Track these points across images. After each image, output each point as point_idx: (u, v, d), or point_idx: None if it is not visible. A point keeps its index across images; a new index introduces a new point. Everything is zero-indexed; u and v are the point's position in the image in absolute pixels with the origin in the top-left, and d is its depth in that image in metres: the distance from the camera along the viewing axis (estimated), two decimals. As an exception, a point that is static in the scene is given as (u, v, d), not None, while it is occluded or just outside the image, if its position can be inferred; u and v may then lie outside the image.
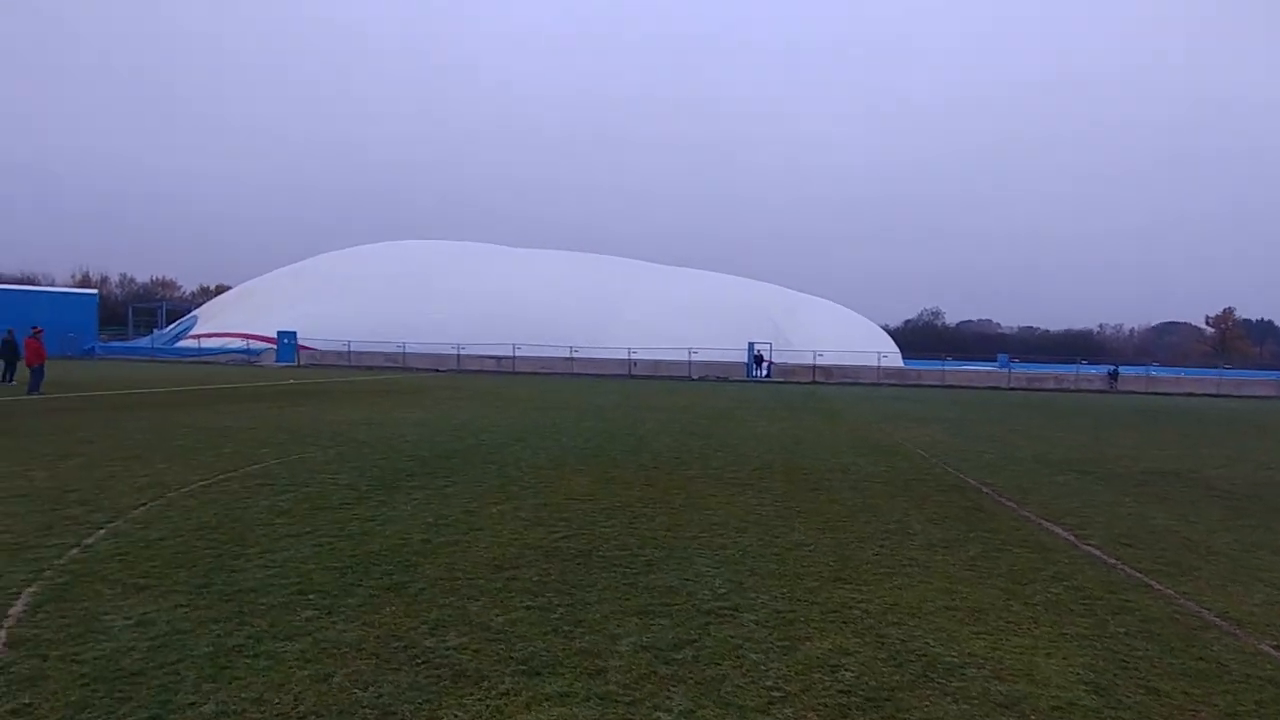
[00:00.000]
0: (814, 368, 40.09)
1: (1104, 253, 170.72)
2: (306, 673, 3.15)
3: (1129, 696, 3.19)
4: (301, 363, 42.45)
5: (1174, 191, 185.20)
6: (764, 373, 40.78)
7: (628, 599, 4.22)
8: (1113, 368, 41.29)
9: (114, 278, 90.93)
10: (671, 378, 38.05)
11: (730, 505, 6.92)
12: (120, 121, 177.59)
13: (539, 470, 8.56)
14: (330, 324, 45.08)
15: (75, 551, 4.86)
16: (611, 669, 3.29)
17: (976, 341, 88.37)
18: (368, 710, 2.86)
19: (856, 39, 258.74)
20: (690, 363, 40.05)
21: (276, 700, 2.91)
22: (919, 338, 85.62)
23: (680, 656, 3.45)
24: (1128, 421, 19.20)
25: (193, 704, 2.86)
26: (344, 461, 8.84)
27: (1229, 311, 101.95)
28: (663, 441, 11.56)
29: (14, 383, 20.30)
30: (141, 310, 64.51)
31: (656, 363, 40.24)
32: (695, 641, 3.63)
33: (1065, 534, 6.22)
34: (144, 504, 6.30)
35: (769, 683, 3.20)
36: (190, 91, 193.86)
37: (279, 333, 44.04)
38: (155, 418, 13.21)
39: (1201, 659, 3.63)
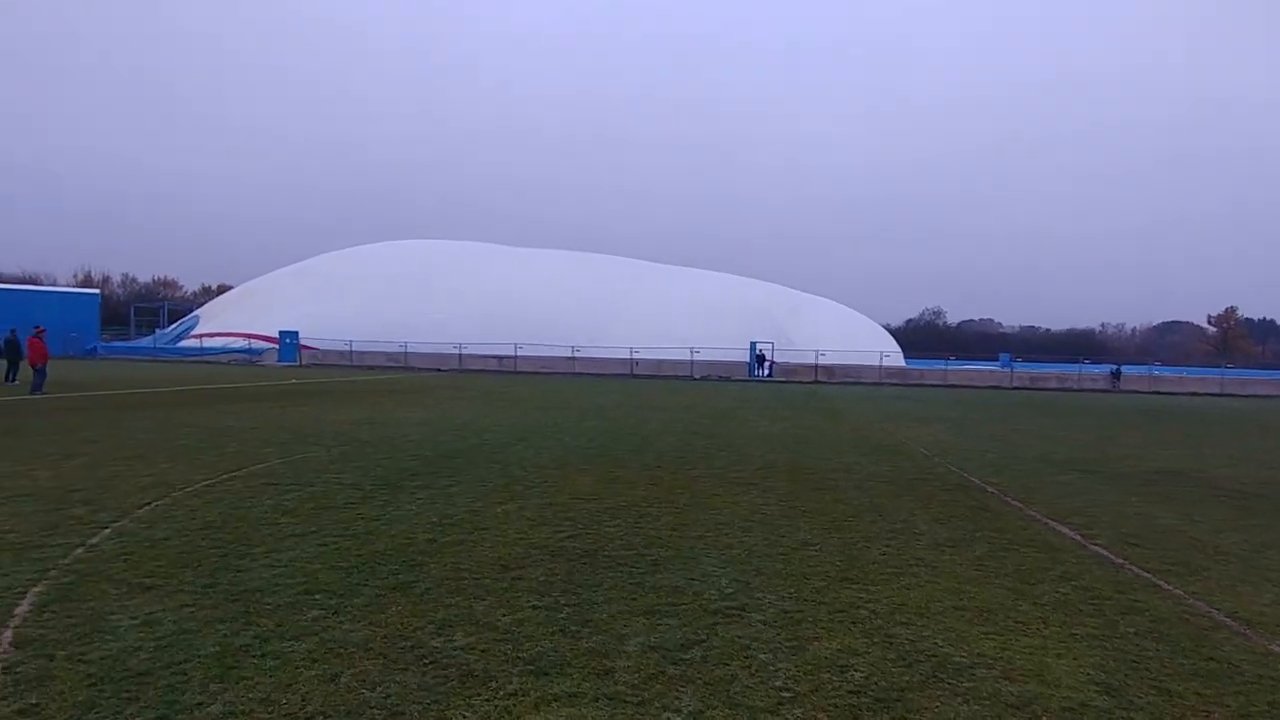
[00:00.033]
0: (816, 367, 40.05)
1: (1105, 252, 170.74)
2: (314, 673, 3.14)
3: (1141, 697, 3.17)
4: (303, 362, 42.48)
5: (1174, 191, 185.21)
6: (766, 372, 40.76)
7: (635, 599, 4.21)
8: (1115, 367, 41.24)
9: (116, 278, 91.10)
10: (673, 377, 38.03)
11: (735, 505, 6.90)
12: (120, 121, 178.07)
13: (543, 470, 8.54)
14: (332, 324, 45.13)
15: (80, 551, 4.85)
16: (620, 669, 3.27)
17: (978, 341, 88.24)
18: (376, 710, 2.84)
19: (856, 39, 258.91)
20: (692, 362, 40.03)
21: (284, 700, 2.89)
22: (921, 337, 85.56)
23: (688, 657, 3.43)
24: (1131, 421, 19.17)
25: (200, 704, 2.85)
26: (347, 461, 8.83)
27: (1231, 311, 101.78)
28: (666, 441, 11.55)
29: (17, 382, 20.33)
30: (143, 310, 64.62)
31: (658, 362, 40.22)
32: (703, 641, 3.61)
33: (1072, 533, 6.19)
34: (148, 503, 6.29)
35: (778, 683, 3.19)
36: (190, 91, 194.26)
37: (281, 332, 44.10)
38: (158, 417, 13.21)
39: (1213, 659, 3.60)
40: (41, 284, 69.41)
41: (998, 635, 3.82)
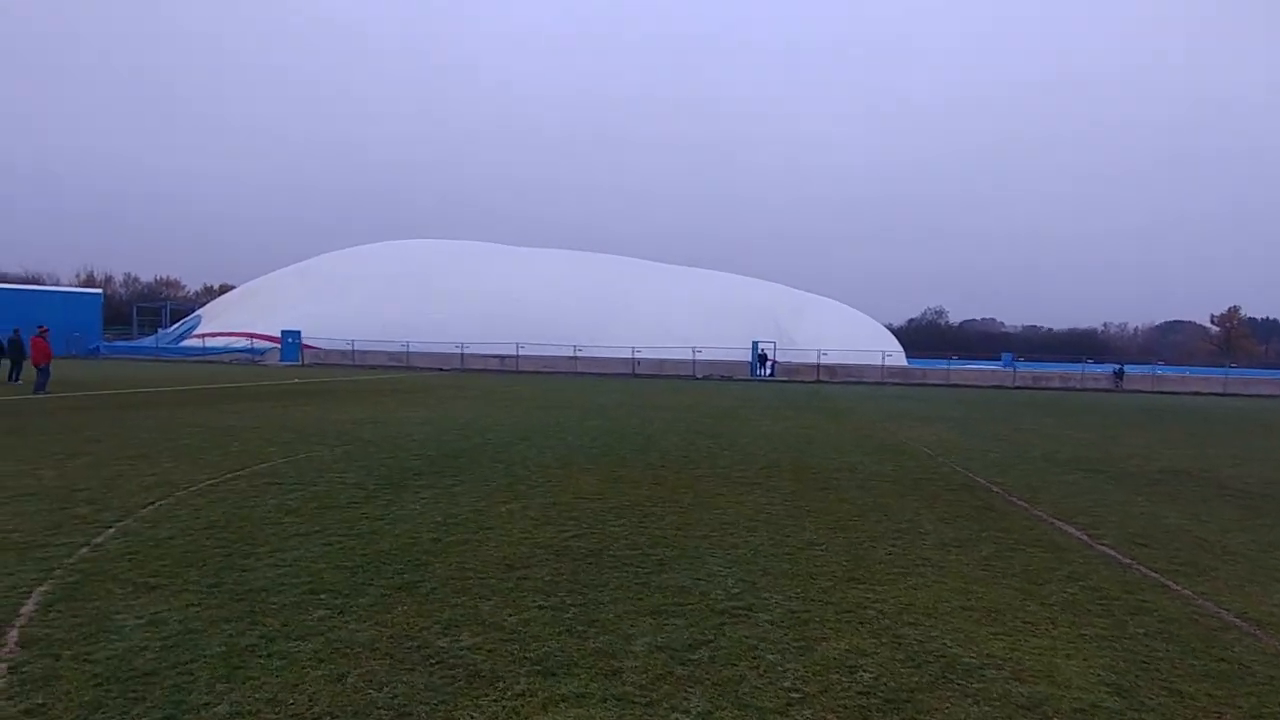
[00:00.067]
0: (818, 367, 40.01)
1: (1106, 252, 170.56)
2: (320, 673, 3.13)
3: (1152, 699, 3.15)
4: (306, 362, 42.51)
5: (1174, 191, 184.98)
6: (768, 372, 40.74)
7: (641, 599, 4.19)
8: (1118, 366, 41.17)
9: (118, 277, 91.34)
10: (675, 377, 38.01)
11: (739, 504, 6.88)
12: (120, 121, 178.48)
13: (546, 469, 8.53)
14: (334, 323, 45.17)
15: (85, 550, 4.84)
16: (627, 669, 3.25)
17: (980, 340, 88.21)
18: (383, 711, 2.83)
19: (856, 39, 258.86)
20: (694, 362, 40.00)
21: (291, 701, 2.88)
22: (922, 337, 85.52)
23: (696, 657, 3.41)
24: (1135, 420, 19.12)
25: (207, 704, 2.83)
26: (351, 460, 8.83)
27: (1234, 310, 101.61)
28: (669, 440, 11.53)
29: (20, 382, 20.36)
30: (146, 310, 64.67)
31: (660, 362, 40.21)
32: (710, 642, 3.59)
33: (1078, 533, 6.17)
34: (152, 503, 6.29)
35: (787, 683, 3.17)
36: (190, 91, 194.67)
37: (283, 332, 44.14)
38: (161, 417, 13.21)
39: (1223, 660, 3.58)
40: (44, 284, 69.58)
41: (1006, 636, 3.80)
